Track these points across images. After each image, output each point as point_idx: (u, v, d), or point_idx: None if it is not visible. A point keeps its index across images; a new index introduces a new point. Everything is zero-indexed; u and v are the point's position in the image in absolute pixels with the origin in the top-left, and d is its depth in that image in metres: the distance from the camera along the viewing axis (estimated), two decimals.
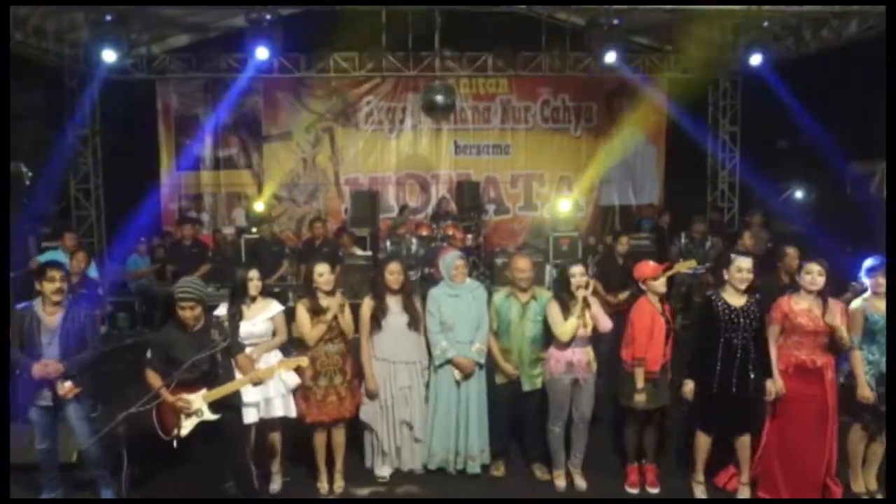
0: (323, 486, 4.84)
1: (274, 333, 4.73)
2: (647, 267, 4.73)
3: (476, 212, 11.18)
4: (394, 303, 4.82)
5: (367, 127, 11.80)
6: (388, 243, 8.25)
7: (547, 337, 4.81)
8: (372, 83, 11.65)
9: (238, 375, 4.14)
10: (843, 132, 8.76)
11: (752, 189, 11.16)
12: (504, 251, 9.83)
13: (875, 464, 4.75)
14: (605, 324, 4.70)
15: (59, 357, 4.31)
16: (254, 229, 9.46)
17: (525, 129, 11.97)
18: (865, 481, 4.76)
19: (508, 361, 4.89)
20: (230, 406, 4.08)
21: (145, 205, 10.81)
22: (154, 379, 4.00)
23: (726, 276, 4.49)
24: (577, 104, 11.93)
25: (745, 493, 4.65)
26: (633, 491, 4.84)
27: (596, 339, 4.85)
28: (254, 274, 4.69)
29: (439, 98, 9.18)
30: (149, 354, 4.08)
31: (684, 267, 6.71)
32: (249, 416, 4.51)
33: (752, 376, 4.41)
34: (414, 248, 8.15)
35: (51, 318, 4.36)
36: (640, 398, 4.58)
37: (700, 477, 4.74)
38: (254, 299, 4.70)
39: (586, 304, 4.62)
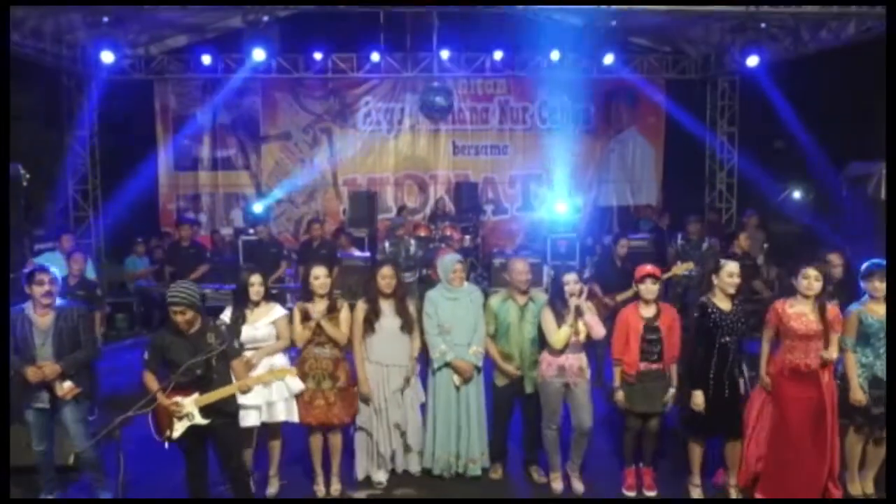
0: (319, 489, 4.85)
1: (277, 337, 4.72)
2: (645, 269, 4.73)
3: (474, 212, 11.20)
4: (387, 306, 4.82)
5: (366, 127, 11.79)
6: (386, 244, 8.21)
7: (543, 339, 4.80)
8: (370, 84, 11.64)
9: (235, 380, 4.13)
10: (841, 133, 8.76)
11: (751, 189, 11.16)
12: (502, 252, 9.82)
13: (873, 467, 4.73)
14: (599, 331, 4.70)
15: (53, 357, 4.30)
16: (251, 230, 9.46)
17: (523, 129, 11.96)
18: (863, 485, 4.75)
19: (510, 364, 4.89)
20: (222, 412, 4.06)
21: (143, 205, 10.83)
22: (151, 381, 4.00)
23: (716, 281, 4.51)
24: (575, 105, 11.90)
25: (733, 494, 4.69)
26: (631, 494, 4.84)
27: (596, 340, 4.84)
28: (255, 279, 4.67)
29: (438, 99, 9.18)
30: (146, 356, 4.07)
31: (681, 270, 6.72)
32: (251, 419, 4.50)
33: (741, 380, 4.52)
34: (412, 249, 8.12)
35: (43, 319, 4.36)
36: (617, 396, 4.69)
37: (697, 480, 4.75)
38: (257, 303, 4.69)
39: (579, 312, 4.63)
